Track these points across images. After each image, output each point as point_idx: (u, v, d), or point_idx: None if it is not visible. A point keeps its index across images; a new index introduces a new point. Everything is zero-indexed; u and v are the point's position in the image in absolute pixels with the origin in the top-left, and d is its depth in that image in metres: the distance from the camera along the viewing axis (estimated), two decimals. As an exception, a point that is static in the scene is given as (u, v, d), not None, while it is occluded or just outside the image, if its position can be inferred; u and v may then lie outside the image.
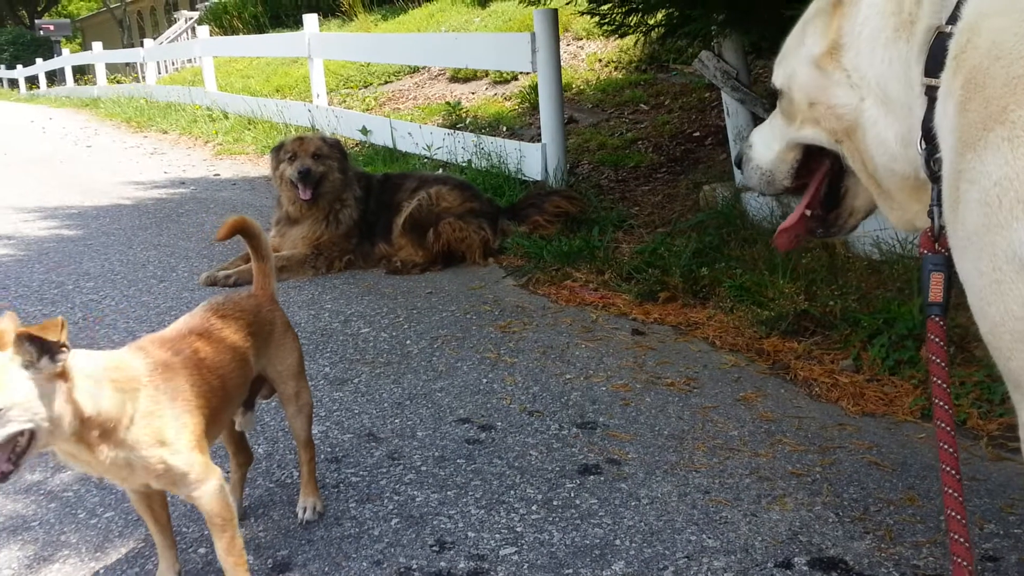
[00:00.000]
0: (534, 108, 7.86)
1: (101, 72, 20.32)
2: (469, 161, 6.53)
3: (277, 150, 5.06)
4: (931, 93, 1.38)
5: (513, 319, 3.93)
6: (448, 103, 9.19)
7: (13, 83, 29.91)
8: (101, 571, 2.16)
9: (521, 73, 8.72)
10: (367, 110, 10.17)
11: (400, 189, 5.13)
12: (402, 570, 2.10)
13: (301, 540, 2.24)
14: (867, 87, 1.56)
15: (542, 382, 3.23)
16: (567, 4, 5.96)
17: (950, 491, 1.48)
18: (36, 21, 38.31)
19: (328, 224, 4.91)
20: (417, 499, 2.44)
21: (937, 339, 1.50)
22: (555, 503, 2.40)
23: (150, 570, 2.15)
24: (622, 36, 5.48)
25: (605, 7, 5.16)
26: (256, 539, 2.25)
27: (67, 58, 24.41)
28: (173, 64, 21.77)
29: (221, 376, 1.97)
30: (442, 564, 2.13)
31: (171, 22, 30.22)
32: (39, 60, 27.33)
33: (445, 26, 12.56)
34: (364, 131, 8.20)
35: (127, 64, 22.93)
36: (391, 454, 2.71)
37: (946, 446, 1.49)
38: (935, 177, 1.41)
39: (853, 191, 1.85)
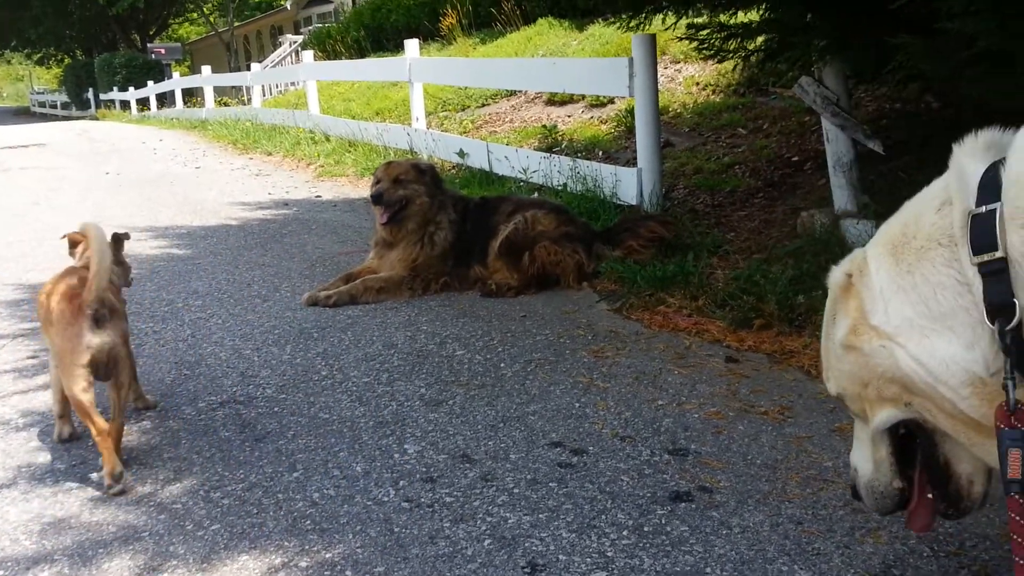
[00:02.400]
0: (630, 131, 7.88)
1: (209, 95, 21.23)
2: (564, 184, 6.59)
3: (374, 174, 5.25)
4: (985, 269, 1.45)
5: (606, 344, 3.95)
6: (544, 126, 9.29)
7: (125, 105, 31.40)
8: (210, 578, 2.28)
9: (618, 96, 8.75)
10: (464, 133, 10.36)
11: (496, 212, 5.22)
12: (494, 590, 2.16)
13: (397, 558, 2.31)
14: (907, 330, 1.61)
15: (634, 408, 3.25)
16: (665, 29, 5.98)
17: None
18: (148, 45, 40.22)
19: (423, 246, 5.03)
20: (509, 521, 2.49)
21: (1018, 518, 1.48)
22: (646, 529, 2.42)
23: (256, 579, 2.26)
24: (721, 61, 5.47)
25: (704, 32, 5.16)
26: (354, 555, 2.34)
27: (177, 81, 25.56)
28: (277, 87, 22.60)
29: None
30: (533, 586, 2.17)
31: (276, 46, 31.41)
32: (150, 83, 28.65)
33: (542, 50, 12.70)
34: (461, 154, 8.36)
35: (233, 87, 23.89)
36: (484, 475, 2.77)
37: None
38: (1007, 350, 1.44)
39: (954, 455, 1.76)
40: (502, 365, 3.76)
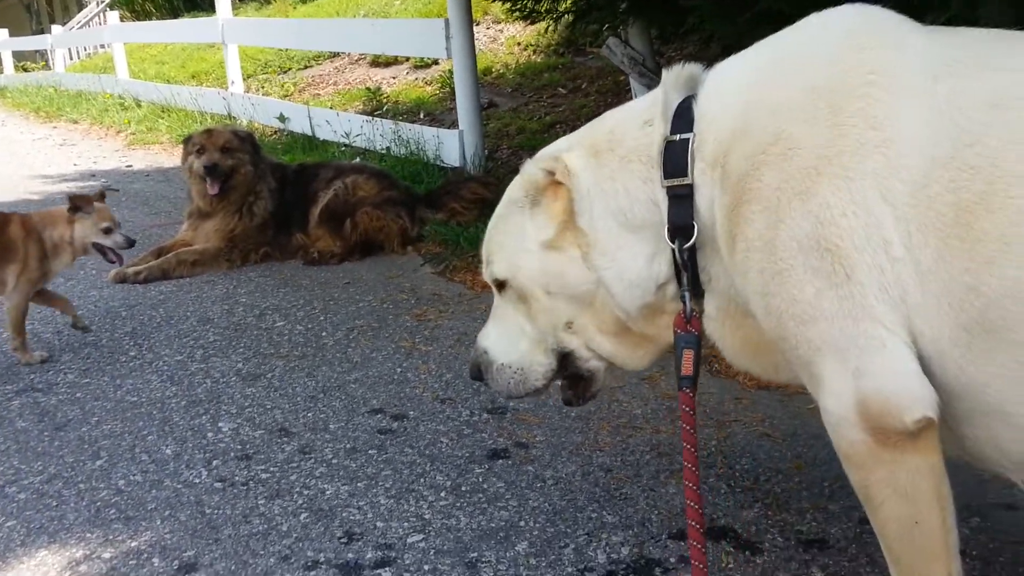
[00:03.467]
0: (454, 93, 7.85)
1: (8, 60, 19.58)
2: (388, 148, 6.51)
3: (186, 142, 5.00)
4: (672, 192, 1.57)
5: (429, 307, 3.96)
6: (368, 89, 9.12)
7: (-87, 74, 28.48)
8: (3, 580, 2.14)
9: (437, 58, 8.69)
10: (286, 96, 10.03)
11: (316, 179, 5.10)
12: (309, 564, 2.14)
13: (208, 540, 2.25)
14: (606, 237, 1.68)
15: (455, 369, 3.28)
16: (480, -11, 5.99)
17: (695, 541, 1.61)
18: (-64, 7, 36.53)
19: (241, 217, 4.86)
20: (327, 492, 2.47)
21: (688, 409, 1.63)
22: (463, 488, 2.46)
23: (54, 576, 2.15)
24: (533, 22, 5.53)
25: (516, -7, 5.20)
26: (162, 541, 2.26)
27: (-30, 46, 23.32)
28: (85, 50, 21.01)
29: None
30: (349, 555, 2.16)
31: (82, 6, 29.20)
32: (-60, 48, 26.07)
33: (364, 9, 12.41)
34: (282, 119, 8.10)
35: (36, 51, 22.09)
36: (302, 448, 2.73)
37: (692, 503, 1.63)
38: (685, 265, 1.59)
39: (597, 370, 1.90)
40: (324, 334, 3.70)
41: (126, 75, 12.54)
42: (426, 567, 2.11)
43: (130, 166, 8.16)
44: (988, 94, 1.31)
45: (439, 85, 8.77)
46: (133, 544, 2.25)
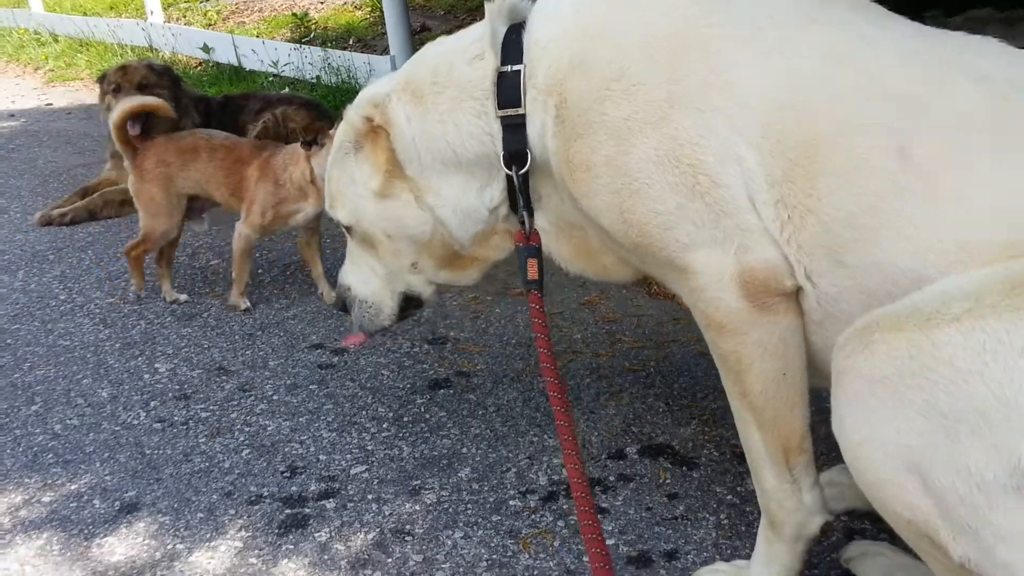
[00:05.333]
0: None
1: (-89, -6, 18.46)
2: (318, 77, 6.34)
3: (101, 80, 4.79)
4: (507, 122, 1.64)
5: (366, 239, 3.92)
6: (295, 15, 8.82)
7: None
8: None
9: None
10: (209, 25, 9.66)
11: (243, 111, 4.93)
12: (253, 498, 2.15)
13: (149, 479, 2.24)
14: (437, 180, 1.77)
15: (395, 301, 3.26)
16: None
17: (566, 438, 1.63)
18: None
19: (169, 153, 4.70)
20: (269, 428, 2.47)
21: (536, 306, 1.74)
22: (405, 419, 2.48)
23: (-8, 525, 2.12)
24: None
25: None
26: (102, 483, 2.24)
27: None
28: (-5, -18, 19.96)
29: None
30: (293, 488, 2.18)
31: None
32: None
33: (288, -68, 11.95)
34: (206, 49, 7.81)
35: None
36: (242, 386, 2.71)
37: (556, 395, 1.70)
38: (522, 189, 1.68)
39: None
40: (260, 271, 3.65)
41: (40, 8, 11.93)
42: (369, 496, 2.13)
43: (50, 104, 7.84)
44: (818, 45, 1.43)
45: (369, 9, 8.53)
46: (73, 487, 2.23)
